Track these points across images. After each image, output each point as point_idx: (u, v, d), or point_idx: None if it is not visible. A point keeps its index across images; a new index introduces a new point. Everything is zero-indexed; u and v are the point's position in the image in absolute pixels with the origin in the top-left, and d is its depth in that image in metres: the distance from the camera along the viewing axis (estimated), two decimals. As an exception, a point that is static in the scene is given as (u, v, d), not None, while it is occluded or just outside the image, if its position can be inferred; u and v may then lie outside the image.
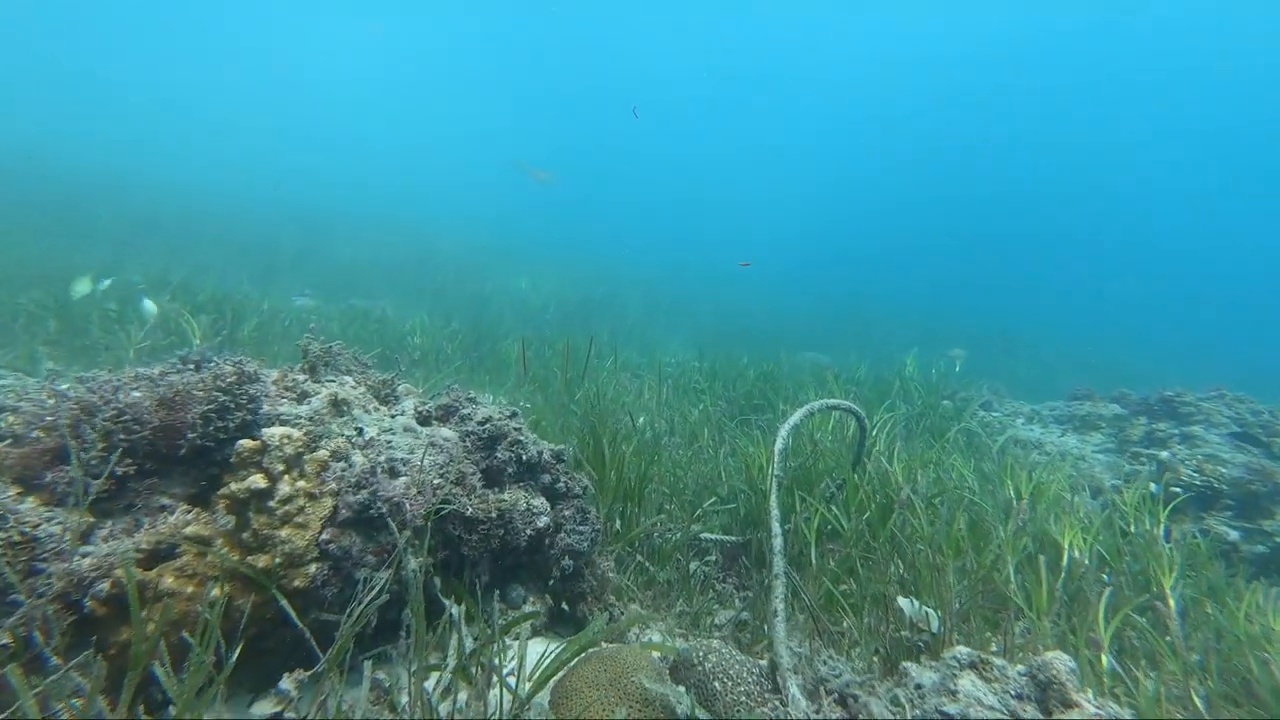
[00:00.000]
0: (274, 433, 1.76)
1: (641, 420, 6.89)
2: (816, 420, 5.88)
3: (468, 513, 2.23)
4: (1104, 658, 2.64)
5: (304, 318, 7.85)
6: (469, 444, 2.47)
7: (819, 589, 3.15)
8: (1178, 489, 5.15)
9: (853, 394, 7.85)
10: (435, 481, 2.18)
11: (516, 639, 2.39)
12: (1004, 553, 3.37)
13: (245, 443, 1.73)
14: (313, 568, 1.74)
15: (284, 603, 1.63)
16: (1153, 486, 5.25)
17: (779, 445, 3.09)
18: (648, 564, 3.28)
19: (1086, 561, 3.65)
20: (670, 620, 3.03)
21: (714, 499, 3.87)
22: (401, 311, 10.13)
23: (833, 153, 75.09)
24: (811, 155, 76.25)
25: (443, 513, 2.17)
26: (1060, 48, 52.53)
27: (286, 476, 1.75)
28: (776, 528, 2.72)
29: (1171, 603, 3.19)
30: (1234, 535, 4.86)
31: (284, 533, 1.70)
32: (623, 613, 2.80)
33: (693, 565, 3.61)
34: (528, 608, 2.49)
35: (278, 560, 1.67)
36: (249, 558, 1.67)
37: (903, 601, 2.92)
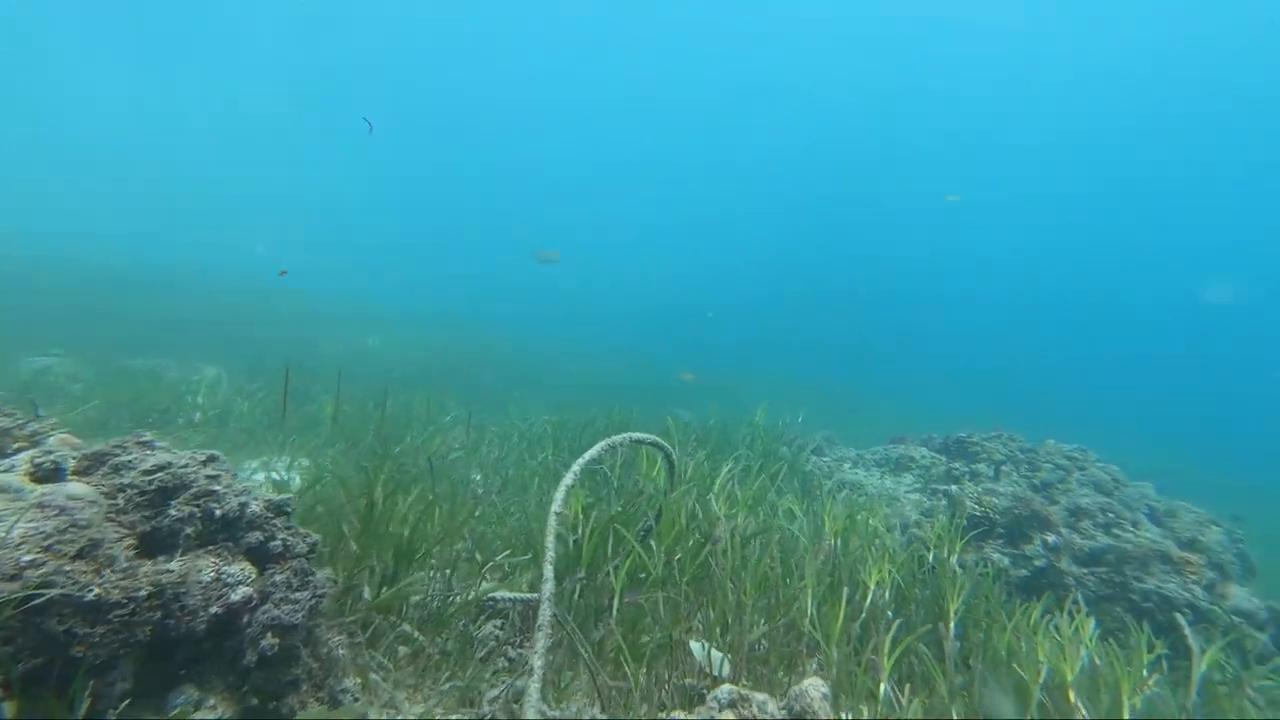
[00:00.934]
0: None
1: (478, 476, 6.35)
2: (657, 469, 5.77)
3: (89, 597, 1.65)
4: (882, 686, 2.61)
5: (39, 379, 6.37)
6: (123, 501, 1.90)
7: (613, 642, 2.85)
8: (964, 522, 5.66)
9: (694, 438, 7.99)
10: (28, 558, 1.60)
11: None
12: (807, 587, 3.34)
13: None
14: None
15: None
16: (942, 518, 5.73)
17: (567, 480, 2.84)
18: (416, 633, 2.77)
19: (886, 595, 3.75)
20: (434, 699, 2.53)
21: (508, 550, 3.47)
22: (194, 371, 8.71)
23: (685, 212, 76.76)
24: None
25: (35, 603, 1.57)
26: (896, 102, 56.79)
27: None
28: (548, 570, 2.41)
29: (951, 625, 3.32)
30: (1006, 562, 5.38)
31: None
32: (357, 699, 2.27)
33: (487, 628, 3.15)
34: (202, 715, 1.89)
35: None
36: None
37: (694, 645, 2.71)
